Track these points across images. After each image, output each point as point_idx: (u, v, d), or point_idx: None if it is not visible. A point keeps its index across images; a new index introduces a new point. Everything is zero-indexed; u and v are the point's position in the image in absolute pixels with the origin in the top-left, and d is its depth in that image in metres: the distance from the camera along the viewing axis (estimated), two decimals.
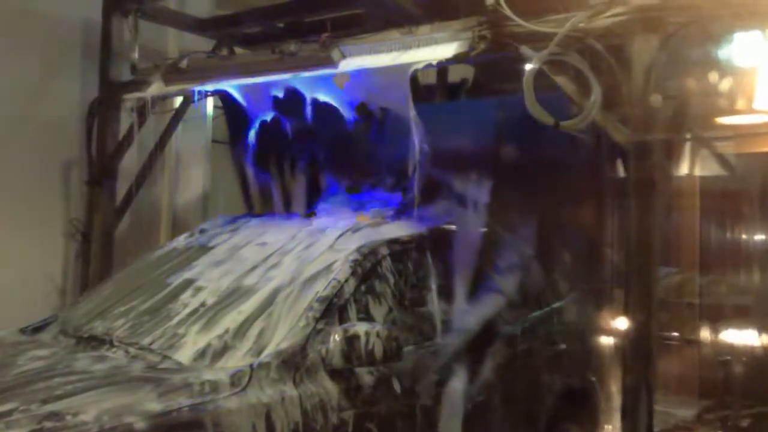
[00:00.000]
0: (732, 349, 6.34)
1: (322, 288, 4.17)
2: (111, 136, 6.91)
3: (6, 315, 4.92)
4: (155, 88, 6.38)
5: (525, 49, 4.66)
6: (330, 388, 3.82)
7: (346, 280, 4.25)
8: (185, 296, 4.44)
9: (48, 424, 3.16)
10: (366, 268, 4.42)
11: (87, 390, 3.46)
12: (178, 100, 6.94)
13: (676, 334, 6.44)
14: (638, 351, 4.43)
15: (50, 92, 6.86)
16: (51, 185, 6.98)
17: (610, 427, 5.73)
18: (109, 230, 6.95)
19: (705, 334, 6.53)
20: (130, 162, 7.10)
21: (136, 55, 6.69)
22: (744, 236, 6.97)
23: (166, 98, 6.58)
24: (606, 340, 5.83)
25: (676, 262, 6.47)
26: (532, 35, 4.65)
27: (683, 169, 6.26)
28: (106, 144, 6.91)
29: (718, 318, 6.56)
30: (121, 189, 7.02)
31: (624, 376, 4.51)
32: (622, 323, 4.73)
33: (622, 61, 4.47)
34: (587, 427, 5.57)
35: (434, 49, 5.03)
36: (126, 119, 6.86)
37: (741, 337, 6.39)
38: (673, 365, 5.82)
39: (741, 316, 6.51)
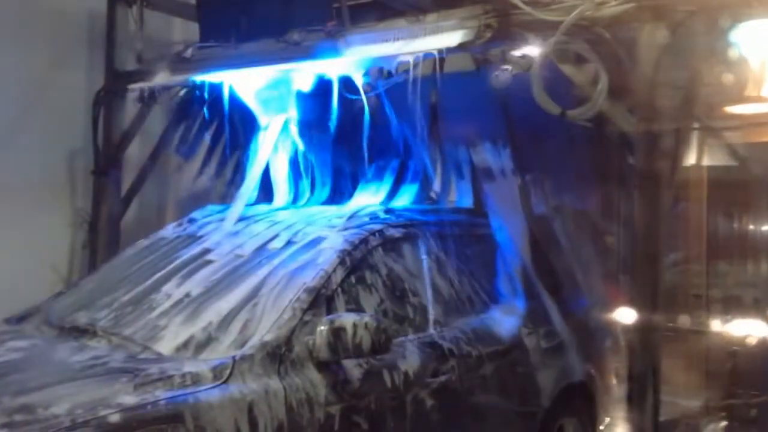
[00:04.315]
0: (739, 340, 6.30)
1: (309, 278, 4.02)
2: (117, 125, 6.82)
3: (11, 305, 4.83)
4: (161, 78, 6.30)
5: (532, 38, 4.58)
6: (317, 382, 3.67)
7: (334, 270, 4.10)
8: (170, 286, 4.30)
9: (18, 417, 3.03)
10: (356, 258, 4.27)
11: (62, 381, 3.33)
12: (184, 90, 6.90)
13: (681, 325, 6.40)
14: (645, 341, 4.32)
15: (56, 82, 6.71)
16: (57, 175, 6.86)
17: (608, 419, 5.73)
18: (115, 220, 6.85)
19: (712, 324, 6.50)
20: (136, 152, 7.03)
21: (141, 44, 6.62)
22: (752, 227, 6.93)
23: (171, 88, 6.54)
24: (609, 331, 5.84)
25: (682, 251, 6.43)
26: (539, 24, 4.52)
27: (691, 158, 6.21)
28: (112, 134, 6.82)
29: (725, 309, 6.53)
30: (128, 179, 6.94)
31: (630, 366, 4.39)
32: (628, 313, 4.69)
33: (629, 50, 4.42)
34: (586, 421, 5.49)
35: (440, 38, 4.89)
36: (132, 109, 6.76)
37: (748, 327, 6.35)
38: (680, 356, 5.77)
39: (748, 306, 6.48)
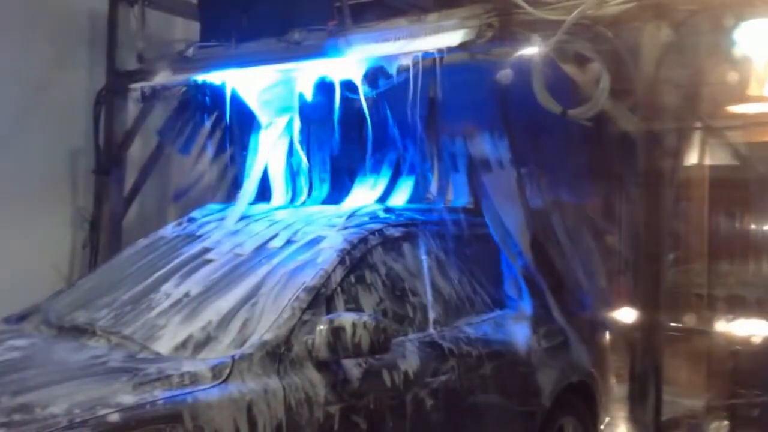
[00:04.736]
0: (741, 340, 6.28)
1: (308, 278, 3.98)
2: (118, 125, 6.83)
3: (12, 304, 4.79)
4: (162, 77, 6.29)
5: (533, 37, 4.54)
6: (316, 381, 3.63)
7: (334, 270, 4.07)
8: (169, 286, 4.26)
9: (17, 417, 2.99)
10: (355, 258, 4.23)
11: (61, 381, 3.29)
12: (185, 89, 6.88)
13: (683, 324, 6.38)
14: (646, 340, 4.30)
15: (57, 81, 6.71)
16: (58, 174, 6.86)
17: (608, 419, 5.71)
18: (117, 219, 6.85)
19: (714, 324, 6.49)
20: (137, 151, 7.03)
21: (142, 44, 6.62)
22: (754, 226, 6.91)
23: (172, 87, 6.53)
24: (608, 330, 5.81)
25: (684, 250, 6.41)
26: (541, 23, 4.51)
27: (693, 158, 6.20)
28: (114, 133, 6.83)
29: (726, 308, 6.51)
30: (129, 178, 6.94)
31: (632, 365, 4.38)
32: (630, 312, 4.67)
33: (631, 49, 4.39)
34: (586, 421, 5.46)
35: (441, 38, 4.87)
36: (133, 108, 6.77)
37: (750, 327, 6.33)
38: (682, 355, 5.75)
39: (750, 306, 6.45)
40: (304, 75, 5.52)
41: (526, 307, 5.08)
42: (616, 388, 5.59)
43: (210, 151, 6.36)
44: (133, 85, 6.52)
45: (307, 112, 5.63)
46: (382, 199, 5.51)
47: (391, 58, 5.02)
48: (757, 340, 6.22)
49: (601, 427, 5.58)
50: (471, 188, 5.45)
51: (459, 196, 5.55)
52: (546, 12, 4.51)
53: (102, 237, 6.83)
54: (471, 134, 5.30)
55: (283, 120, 5.64)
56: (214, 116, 6.29)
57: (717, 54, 4.75)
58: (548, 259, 5.34)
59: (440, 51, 4.83)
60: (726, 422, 5.97)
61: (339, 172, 5.86)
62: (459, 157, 5.40)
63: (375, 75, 5.26)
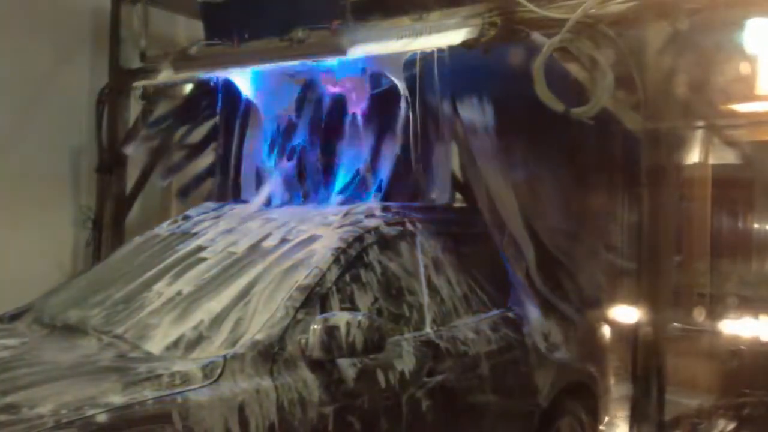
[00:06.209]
0: (743, 339, 6.25)
1: (302, 277, 3.91)
2: (121, 123, 6.82)
3: (13, 303, 4.74)
4: (165, 76, 6.26)
5: (536, 36, 4.49)
6: (310, 381, 3.58)
7: (328, 269, 4.00)
8: (161, 284, 4.20)
9: (3, 417, 2.94)
10: (350, 256, 4.16)
11: (50, 381, 3.26)
12: (188, 87, 6.86)
13: (686, 323, 6.35)
14: (650, 339, 4.23)
15: (60, 80, 6.71)
16: (61, 173, 6.85)
17: (607, 418, 5.63)
18: (119, 218, 6.85)
19: (716, 323, 6.46)
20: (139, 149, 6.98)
21: (145, 42, 6.60)
22: (757, 225, 6.91)
23: (175, 85, 6.51)
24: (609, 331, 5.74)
25: (685, 250, 6.38)
26: (544, 21, 4.45)
27: (696, 157, 6.18)
28: (117, 131, 6.82)
29: (729, 307, 6.48)
30: (132, 176, 6.91)
31: (634, 365, 4.31)
32: (633, 312, 4.61)
33: (634, 47, 4.32)
34: (585, 422, 5.39)
35: (444, 36, 4.83)
36: (136, 106, 6.76)
37: (752, 326, 6.30)
38: (684, 354, 5.71)
39: (752, 305, 6.43)
40: (306, 74, 5.50)
41: (525, 306, 5.00)
42: (616, 388, 5.54)
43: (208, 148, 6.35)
44: (136, 84, 6.54)
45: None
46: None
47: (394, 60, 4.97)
48: (761, 339, 6.18)
49: (601, 427, 5.52)
50: (459, 155, 5.29)
51: (440, 169, 5.32)
52: (549, 10, 4.45)
53: (104, 235, 6.82)
54: (459, 98, 5.15)
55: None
56: (208, 113, 6.25)
57: (721, 52, 4.69)
58: (550, 254, 5.25)
59: (441, 50, 4.79)
60: (727, 421, 5.92)
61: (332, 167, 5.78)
62: (445, 122, 5.18)
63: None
